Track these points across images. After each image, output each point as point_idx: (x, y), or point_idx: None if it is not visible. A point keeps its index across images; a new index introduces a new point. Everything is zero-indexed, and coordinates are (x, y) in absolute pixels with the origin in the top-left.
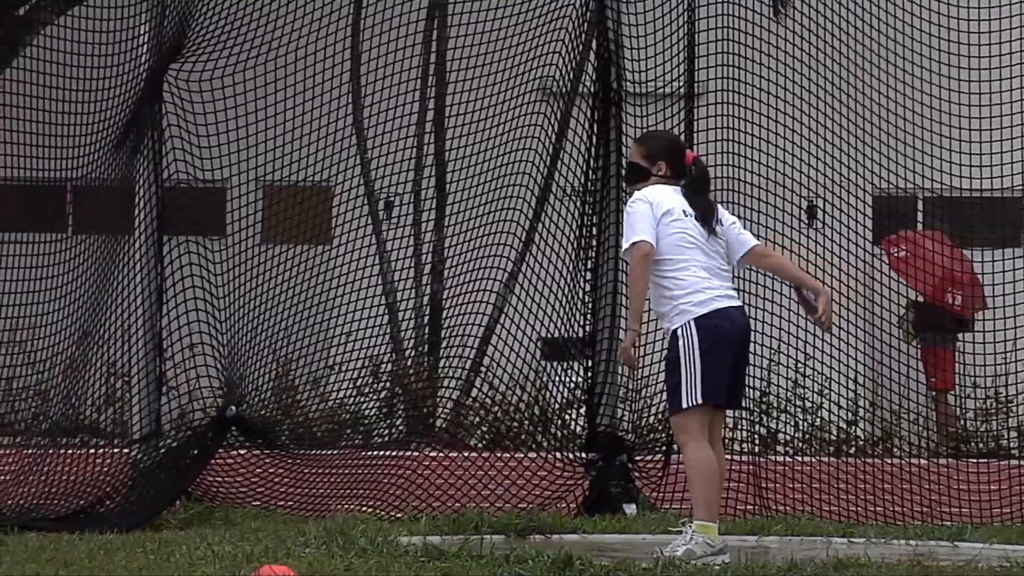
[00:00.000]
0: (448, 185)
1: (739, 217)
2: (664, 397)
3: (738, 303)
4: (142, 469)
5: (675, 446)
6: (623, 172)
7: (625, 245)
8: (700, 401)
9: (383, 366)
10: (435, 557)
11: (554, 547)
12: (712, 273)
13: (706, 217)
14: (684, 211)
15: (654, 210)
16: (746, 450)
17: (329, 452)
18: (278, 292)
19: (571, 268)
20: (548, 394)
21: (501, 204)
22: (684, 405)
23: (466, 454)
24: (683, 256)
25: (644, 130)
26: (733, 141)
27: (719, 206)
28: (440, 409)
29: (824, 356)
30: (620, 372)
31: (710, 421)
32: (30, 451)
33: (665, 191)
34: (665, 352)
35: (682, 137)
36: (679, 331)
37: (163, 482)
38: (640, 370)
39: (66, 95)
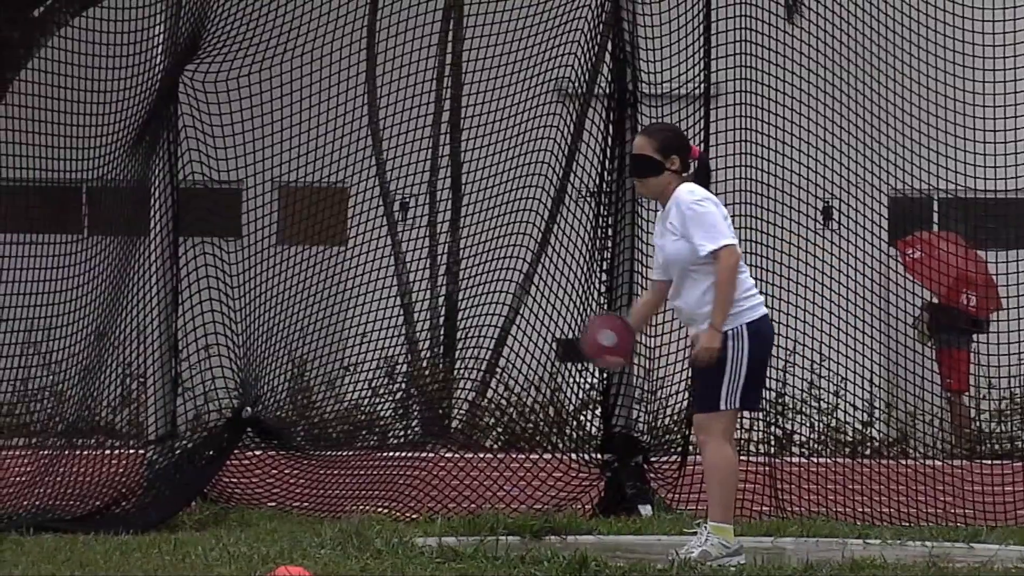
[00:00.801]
0: (464, 186)
1: (755, 218)
2: (680, 397)
3: None
4: (158, 470)
5: (691, 447)
6: (628, 165)
7: (712, 245)
8: (738, 405)
9: (398, 367)
10: (450, 558)
11: (569, 548)
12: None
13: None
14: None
15: (721, 211)
16: (762, 451)
17: (344, 453)
18: (293, 293)
19: (586, 269)
20: (563, 395)
21: (517, 205)
22: (723, 406)
23: (481, 455)
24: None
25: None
26: (749, 142)
27: None
28: (455, 410)
29: (840, 357)
30: (635, 373)
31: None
32: (46, 452)
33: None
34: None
35: (699, 137)
36: (730, 333)
37: (179, 483)
38: (657, 371)
39: (81, 96)
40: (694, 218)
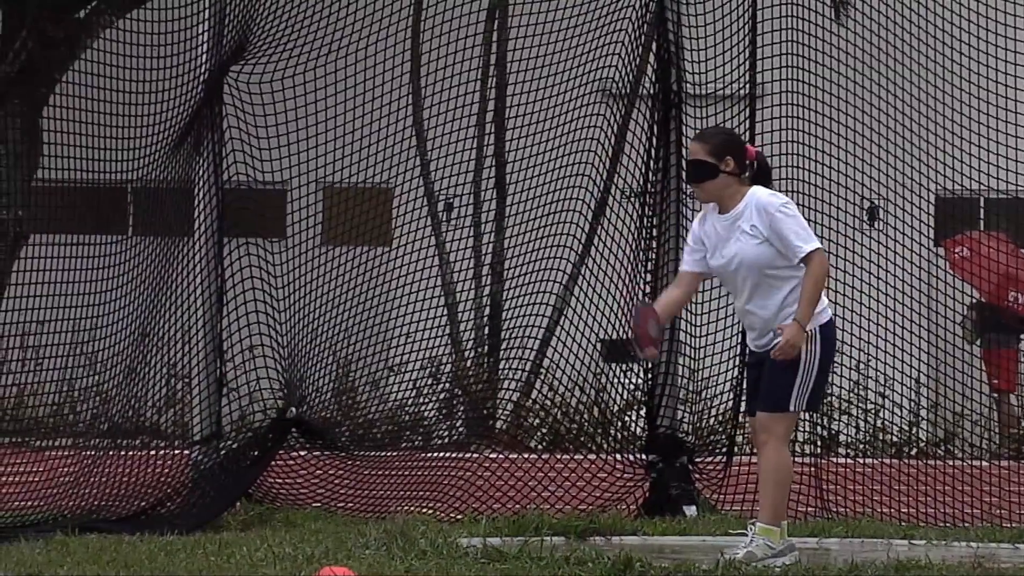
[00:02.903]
0: (508, 186)
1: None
2: (725, 398)
3: None
4: (203, 470)
5: (736, 447)
6: (685, 171)
7: (807, 248)
8: (805, 407)
9: (443, 367)
10: (495, 559)
11: (614, 549)
12: None
13: None
14: None
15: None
16: (807, 451)
17: (389, 453)
18: (338, 293)
19: (631, 270)
20: (608, 396)
21: (561, 205)
22: (792, 408)
23: (526, 456)
24: None
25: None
26: (795, 142)
27: None
28: (500, 410)
29: (886, 356)
30: (681, 374)
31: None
32: (91, 452)
33: None
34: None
35: (744, 137)
36: (806, 335)
37: (224, 483)
38: (702, 371)
39: (126, 97)
40: (787, 219)
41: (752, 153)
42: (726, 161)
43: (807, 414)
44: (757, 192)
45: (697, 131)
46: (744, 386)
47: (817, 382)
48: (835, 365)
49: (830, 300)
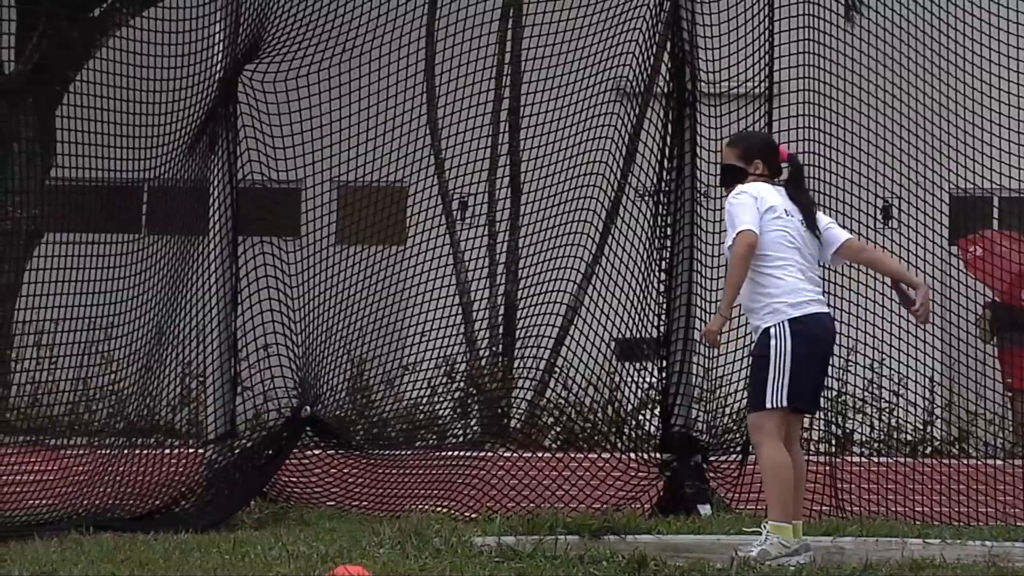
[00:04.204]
0: (523, 185)
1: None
2: (740, 396)
3: (828, 309)
4: (217, 469)
5: (751, 446)
6: (719, 175)
7: (731, 234)
8: (784, 404)
9: (457, 366)
10: (509, 558)
11: (628, 548)
12: (807, 277)
13: (811, 213)
14: (786, 210)
15: (758, 204)
16: (822, 450)
17: (404, 452)
18: (353, 292)
19: (645, 269)
20: (622, 394)
21: (576, 204)
22: (768, 405)
23: (540, 455)
24: (782, 255)
25: (719, 131)
26: (809, 141)
27: (816, 207)
28: (514, 409)
29: (900, 355)
30: (695, 372)
31: (789, 424)
32: (106, 451)
33: (767, 188)
34: (752, 348)
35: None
36: (772, 330)
37: (238, 482)
38: (716, 369)
39: (141, 96)
40: (728, 213)
41: (785, 155)
42: (755, 164)
43: (817, 414)
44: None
45: (715, 131)
46: None
47: (794, 377)
48: (848, 363)
49: (847, 299)
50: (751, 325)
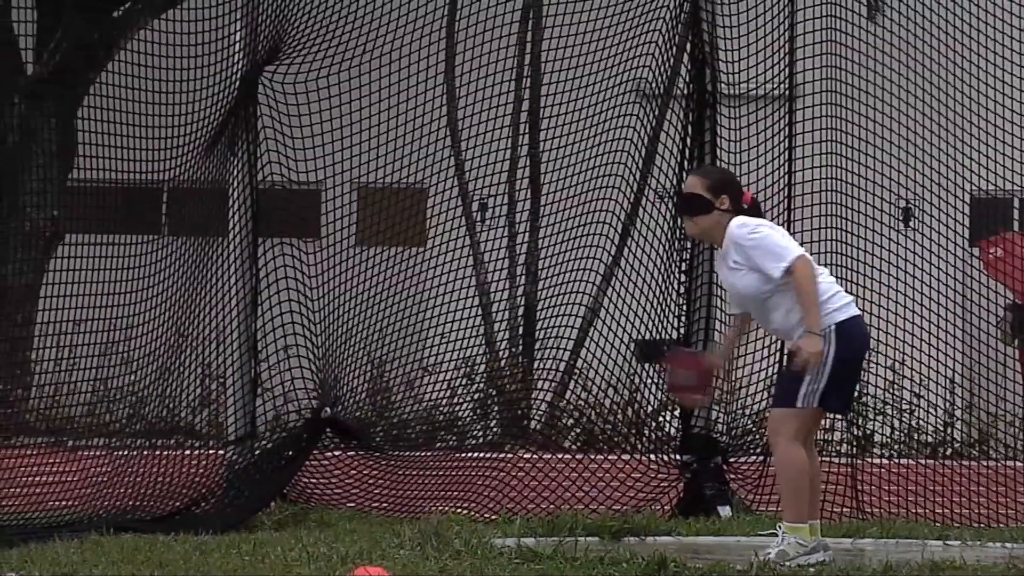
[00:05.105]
0: (542, 186)
1: (836, 217)
2: (760, 397)
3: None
4: (237, 470)
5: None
6: (677, 203)
7: (783, 264)
8: (815, 405)
9: (477, 367)
10: (529, 559)
11: (648, 549)
12: (835, 281)
13: None
14: None
15: (778, 231)
16: (842, 451)
17: (423, 454)
18: (373, 294)
19: (664, 270)
20: (642, 396)
21: (595, 205)
22: (798, 404)
23: (560, 456)
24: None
25: (738, 132)
26: (830, 142)
27: None
28: (534, 411)
29: (921, 356)
30: (715, 374)
31: (813, 424)
32: (125, 452)
33: None
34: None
35: (782, 136)
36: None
37: (258, 483)
38: (736, 371)
39: (161, 97)
40: (756, 247)
41: (748, 198)
42: (722, 199)
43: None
44: (731, 225)
45: (734, 133)
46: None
47: (834, 381)
48: (868, 364)
49: (867, 300)
50: (795, 335)
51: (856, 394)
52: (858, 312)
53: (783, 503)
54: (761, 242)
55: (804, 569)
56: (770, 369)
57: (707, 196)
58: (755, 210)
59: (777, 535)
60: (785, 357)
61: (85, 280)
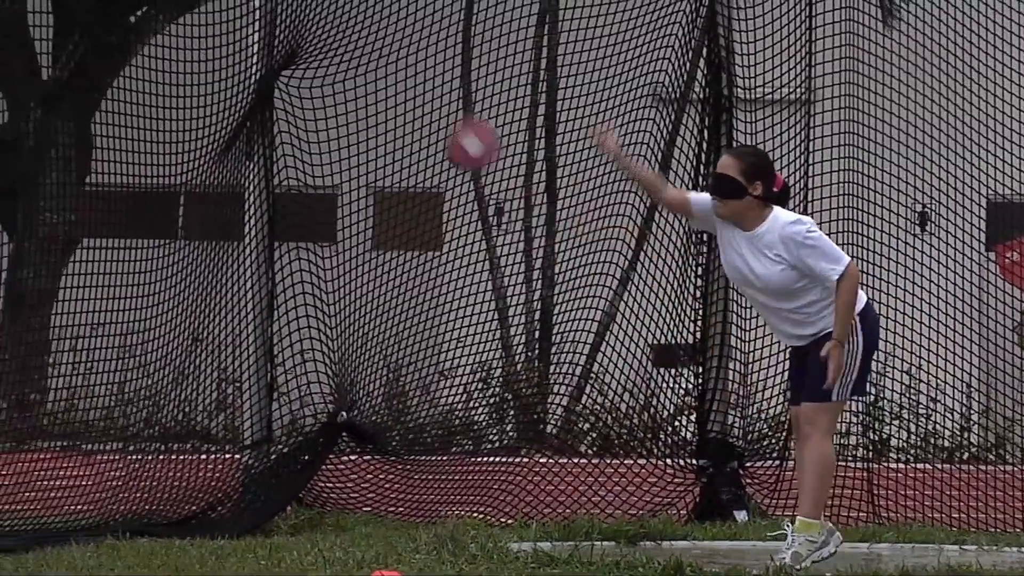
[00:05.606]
0: (558, 190)
1: (853, 221)
2: (776, 401)
3: None
4: (253, 475)
5: (788, 452)
6: (711, 182)
7: (838, 267)
8: (848, 396)
9: (493, 372)
10: (545, 563)
11: (664, 553)
12: None
13: None
14: None
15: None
16: (859, 456)
17: (439, 458)
18: (389, 298)
19: (680, 274)
20: (658, 400)
21: (611, 210)
22: (834, 398)
23: (576, 460)
24: None
25: (755, 136)
26: (848, 146)
27: None
28: (550, 415)
29: (938, 360)
30: (731, 378)
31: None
32: (141, 456)
33: None
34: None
35: (799, 140)
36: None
37: (274, 488)
38: (752, 375)
39: (177, 102)
40: (813, 248)
41: (780, 183)
42: (755, 185)
43: (857, 414)
44: (779, 217)
45: (750, 137)
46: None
47: (861, 370)
48: (885, 369)
49: (884, 304)
50: (807, 334)
51: (871, 398)
52: (866, 296)
53: (804, 497)
54: (818, 243)
55: (819, 565)
56: (786, 371)
57: (740, 180)
58: (784, 194)
59: (786, 535)
60: (809, 354)
61: (101, 284)
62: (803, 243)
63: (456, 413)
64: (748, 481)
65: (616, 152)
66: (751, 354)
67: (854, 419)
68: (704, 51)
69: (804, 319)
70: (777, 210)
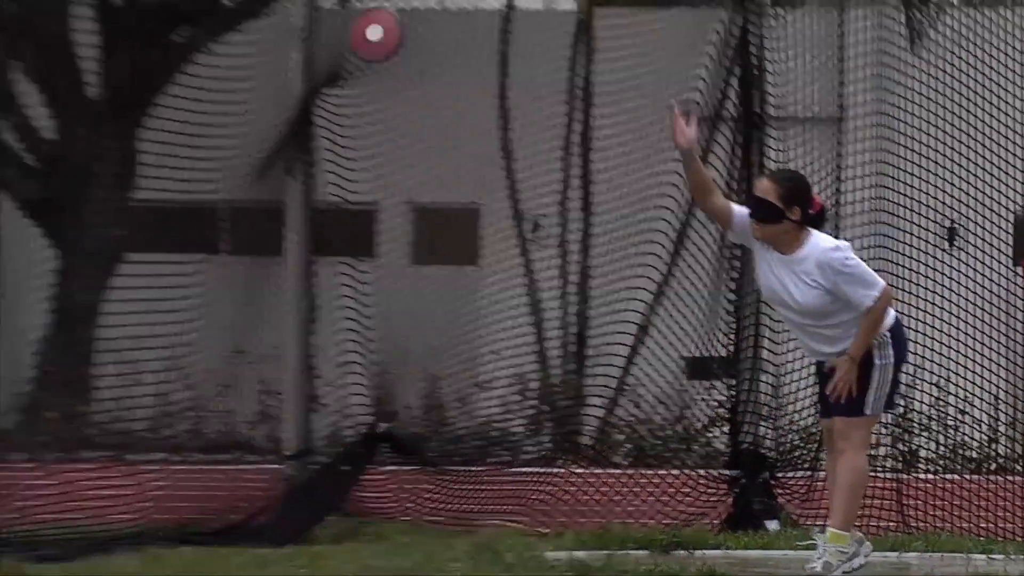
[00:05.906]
0: (594, 206)
1: (883, 235)
2: (807, 413)
3: None
4: (295, 485)
5: (820, 462)
6: (751, 206)
7: (875, 294)
8: (881, 409)
9: (530, 384)
10: (580, 572)
11: (697, 563)
12: None
13: None
14: None
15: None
16: (888, 467)
17: (477, 468)
18: (427, 312)
19: (714, 289)
20: (692, 412)
21: (646, 225)
22: (868, 411)
23: (611, 471)
24: None
25: (786, 153)
26: (878, 163)
27: None
28: (586, 426)
29: (966, 373)
30: (763, 390)
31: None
32: (185, 467)
33: None
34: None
35: (833, 161)
36: (875, 341)
37: (315, 497)
38: (784, 387)
39: (220, 119)
40: (851, 275)
41: (818, 205)
42: (794, 210)
43: (886, 425)
44: (819, 243)
45: (781, 153)
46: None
47: (894, 384)
48: (914, 381)
49: (913, 318)
50: (836, 351)
51: (901, 410)
52: (895, 312)
53: (837, 509)
54: (855, 270)
55: (849, 575)
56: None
57: (779, 205)
58: (820, 217)
59: (817, 545)
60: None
61: (146, 298)
62: (840, 270)
63: (493, 424)
64: (780, 491)
65: (693, 143)
66: (783, 366)
67: (883, 431)
68: (737, 69)
69: (834, 336)
70: (815, 234)
